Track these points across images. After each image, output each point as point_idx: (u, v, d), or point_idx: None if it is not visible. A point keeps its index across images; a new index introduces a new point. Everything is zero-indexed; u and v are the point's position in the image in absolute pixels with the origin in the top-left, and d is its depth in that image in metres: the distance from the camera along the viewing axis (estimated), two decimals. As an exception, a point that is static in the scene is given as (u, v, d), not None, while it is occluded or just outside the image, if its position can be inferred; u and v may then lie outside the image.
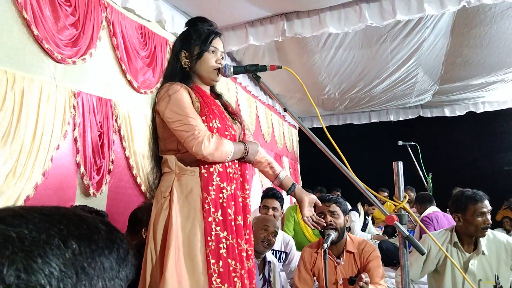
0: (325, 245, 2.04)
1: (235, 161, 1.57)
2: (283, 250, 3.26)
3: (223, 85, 4.37)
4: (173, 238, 1.38)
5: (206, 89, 1.64)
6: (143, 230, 2.09)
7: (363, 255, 2.32)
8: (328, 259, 2.34)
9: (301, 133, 8.30)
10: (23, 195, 1.99)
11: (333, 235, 2.20)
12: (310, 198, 1.67)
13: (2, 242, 0.39)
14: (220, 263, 1.40)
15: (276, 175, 1.73)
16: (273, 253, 3.10)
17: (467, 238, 2.29)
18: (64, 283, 0.40)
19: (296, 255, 3.27)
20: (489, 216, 2.22)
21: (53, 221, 0.44)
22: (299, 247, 4.73)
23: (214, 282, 1.38)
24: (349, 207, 2.47)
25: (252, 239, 1.62)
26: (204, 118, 1.49)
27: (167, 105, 1.46)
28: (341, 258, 2.35)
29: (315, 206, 1.69)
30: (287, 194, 1.74)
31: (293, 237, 4.78)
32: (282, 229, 4.87)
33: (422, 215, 4.06)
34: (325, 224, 1.64)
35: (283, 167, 6.61)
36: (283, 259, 3.22)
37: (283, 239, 3.30)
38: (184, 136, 1.42)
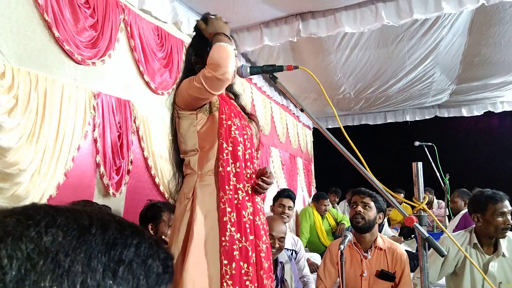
0: (342, 246, 2.00)
1: (254, 160, 1.58)
2: (294, 249, 3.35)
3: (239, 86, 4.39)
4: (194, 239, 1.39)
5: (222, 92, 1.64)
6: (150, 226, 2.23)
7: (395, 257, 2.39)
8: (356, 251, 2.45)
9: (315, 133, 8.26)
10: (46, 194, 2.02)
11: (350, 236, 2.17)
12: None
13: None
14: (233, 265, 1.40)
15: None
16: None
17: (487, 239, 2.25)
18: None
19: (304, 255, 3.42)
20: (509, 217, 2.18)
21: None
22: (312, 249, 4.74)
23: (225, 284, 1.38)
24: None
25: (269, 237, 1.63)
26: (223, 116, 1.50)
27: (182, 94, 1.53)
28: (369, 253, 2.41)
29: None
30: None
31: (308, 238, 4.81)
32: (299, 230, 4.90)
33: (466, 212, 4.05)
34: None
35: (297, 168, 6.61)
36: (294, 257, 3.28)
37: (292, 239, 3.41)
38: (196, 87, 1.44)
